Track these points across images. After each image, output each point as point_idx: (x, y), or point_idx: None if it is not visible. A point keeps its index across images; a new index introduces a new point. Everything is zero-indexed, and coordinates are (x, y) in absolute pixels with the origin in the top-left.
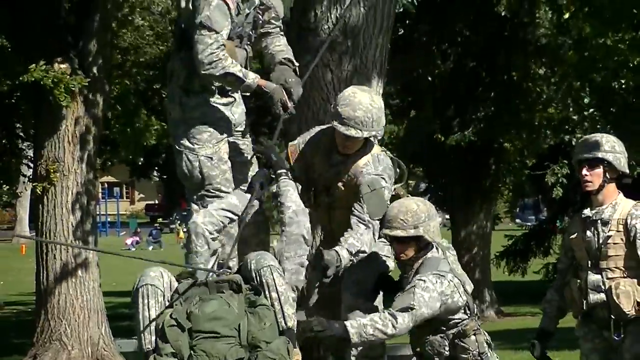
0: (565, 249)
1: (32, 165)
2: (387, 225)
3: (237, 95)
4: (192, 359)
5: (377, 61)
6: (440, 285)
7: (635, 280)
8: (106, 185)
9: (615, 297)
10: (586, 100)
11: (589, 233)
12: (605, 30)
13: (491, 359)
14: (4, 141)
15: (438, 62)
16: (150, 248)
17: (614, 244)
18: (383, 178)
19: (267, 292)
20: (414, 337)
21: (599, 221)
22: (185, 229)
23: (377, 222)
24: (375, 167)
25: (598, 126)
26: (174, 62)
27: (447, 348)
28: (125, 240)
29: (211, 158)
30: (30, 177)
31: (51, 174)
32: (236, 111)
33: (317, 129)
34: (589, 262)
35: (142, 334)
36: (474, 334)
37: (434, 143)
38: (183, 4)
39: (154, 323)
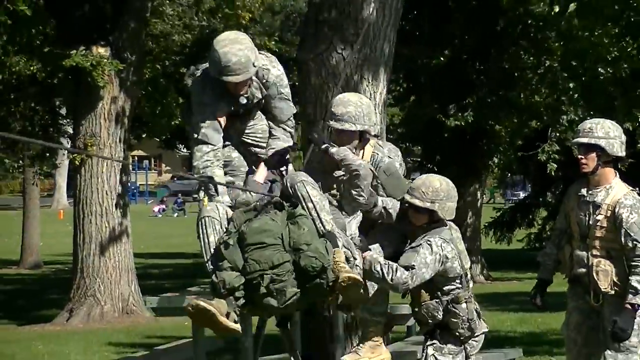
0: (563, 212)
1: (70, 139)
2: (409, 192)
3: None
4: (245, 268)
5: (385, 51)
6: (442, 249)
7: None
8: (136, 158)
9: (594, 274)
10: (571, 84)
11: (581, 212)
12: (592, 25)
13: (479, 326)
14: (46, 117)
15: (437, 54)
16: (175, 215)
17: (601, 227)
18: (391, 158)
19: (303, 204)
20: (414, 302)
21: (591, 203)
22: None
23: (398, 202)
24: (382, 153)
25: (579, 114)
26: None
27: (440, 312)
28: (153, 208)
29: None
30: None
31: (88, 147)
32: None
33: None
34: (579, 237)
35: (206, 257)
36: (466, 302)
37: (432, 125)
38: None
39: (213, 246)
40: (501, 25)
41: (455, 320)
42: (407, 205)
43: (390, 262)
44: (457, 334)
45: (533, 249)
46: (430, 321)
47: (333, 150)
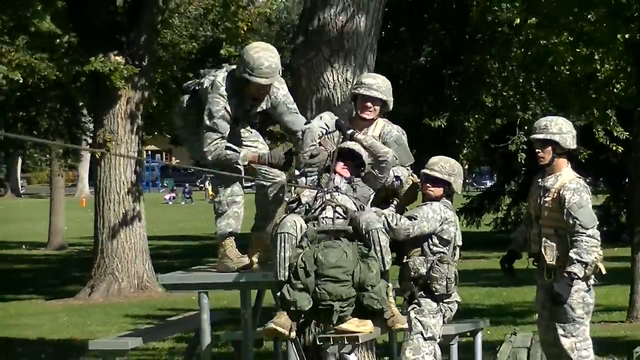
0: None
1: (91, 136)
2: (428, 167)
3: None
4: (316, 294)
5: (367, 57)
6: (445, 213)
7: (556, 246)
8: (150, 152)
9: (543, 249)
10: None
11: (535, 196)
12: (547, 33)
13: (454, 290)
14: (70, 116)
15: (414, 59)
16: (183, 203)
17: (549, 208)
18: (401, 134)
19: (374, 247)
20: (402, 255)
21: (542, 188)
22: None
23: (406, 171)
24: (391, 126)
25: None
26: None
27: (425, 268)
28: (164, 196)
29: None
30: (91, 144)
31: (107, 143)
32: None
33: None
34: (534, 218)
35: (279, 269)
36: (448, 264)
37: (410, 123)
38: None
39: (288, 261)
40: (470, 33)
41: (435, 275)
42: (424, 180)
43: (394, 212)
44: (434, 289)
45: (499, 232)
46: (413, 274)
47: (360, 136)
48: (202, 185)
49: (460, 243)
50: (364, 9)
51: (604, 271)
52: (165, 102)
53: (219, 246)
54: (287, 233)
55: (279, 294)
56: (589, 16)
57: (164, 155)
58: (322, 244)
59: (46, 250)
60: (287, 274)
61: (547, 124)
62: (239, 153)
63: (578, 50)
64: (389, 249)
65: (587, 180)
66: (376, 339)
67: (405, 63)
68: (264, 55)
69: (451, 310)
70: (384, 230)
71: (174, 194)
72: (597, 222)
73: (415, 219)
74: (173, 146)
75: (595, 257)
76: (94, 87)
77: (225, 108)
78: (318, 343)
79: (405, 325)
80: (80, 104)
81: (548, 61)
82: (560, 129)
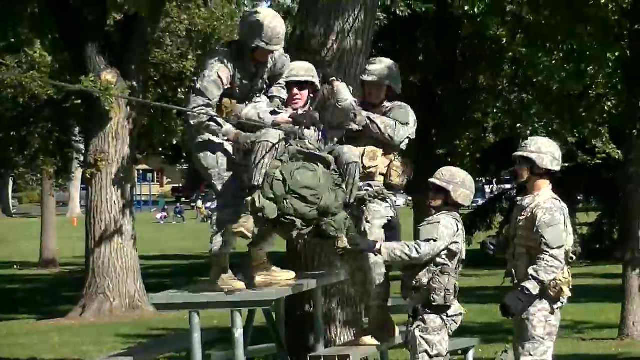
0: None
1: (82, 155)
2: (434, 176)
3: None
4: (283, 207)
5: (357, 77)
6: (456, 227)
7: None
8: (141, 171)
9: (514, 269)
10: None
11: (514, 215)
12: (538, 52)
13: (455, 302)
14: (61, 136)
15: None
16: (175, 222)
17: (522, 226)
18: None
19: (348, 179)
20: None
21: (519, 207)
22: (205, 206)
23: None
24: (399, 105)
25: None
26: None
27: (426, 278)
28: (156, 215)
29: None
30: (82, 164)
31: (98, 163)
32: None
33: None
34: (512, 237)
35: (255, 174)
36: (449, 275)
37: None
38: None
39: (265, 168)
40: (461, 50)
41: (435, 286)
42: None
43: (406, 242)
44: (432, 299)
45: None
46: (414, 283)
47: (337, 83)
48: (194, 204)
49: (464, 256)
50: (355, 29)
51: (568, 294)
52: (156, 121)
53: (213, 264)
54: (269, 142)
55: (249, 198)
56: (579, 33)
57: (155, 174)
58: (301, 163)
59: (38, 270)
60: (261, 180)
61: (528, 142)
62: (222, 127)
63: (569, 67)
64: (358, 188)
65: (579, 198)
66: None
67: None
68: (279, 24)
69: (456, 323)
70: (359, 168)
71: (165, 213)
72: (563, 245)
73: (435, 240)
74: (165, 165)
75: (557, 279)
76: (84, 106)
77: (218, 74)
78: None
79: (346, 245)
80: (72, 123)
81: (540, 79)
82: (539, 148)
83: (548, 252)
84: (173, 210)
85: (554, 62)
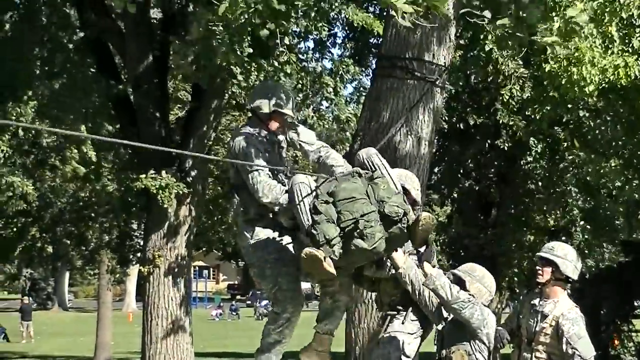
0: (515, 314)
1: (140, 251)
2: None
3: None
4: (340, 219)
5: (420, 178)
6: (484, 315)
7: None
8: (197, 268)
9: None
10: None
11: (531, 319)
12: (597, 159)
13: None
14: (120, 233)
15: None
16: (229, 320)
17: (546, 334)
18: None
19: (380, 170)
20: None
21: (540, 313)
22: (259, 305)
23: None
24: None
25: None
26: None
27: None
28: (211, 312)
29: None
30: (139, 259)
31: (156, 259)
32: None
33: None
34: (526, 340)
35: (303, 218)
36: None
37: (457, 241)
38: None
39: (308, 209)
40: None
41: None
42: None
43: (452, 285)
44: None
45: None
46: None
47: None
48: (250, 302)
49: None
50: (419, 131)
51: None
52: (215, 218)
53: None
54: (302, 182)
55: (309, 239)
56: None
57: (211, 271)
58: (336, 182)
59: None
60: (309, 217)
61: (555, 246)
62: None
63: (627, 174)
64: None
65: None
66: None
67: (451, 185)
68: (289, 91)
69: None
70: (379, 156)
71: (220, 310)
72: (595, 353)
73: (470, 301)
74: (221, 262)
75: None
76: (143, 203)
77: (254, 145)
78: None
79: (430, 218)
80: (131, 219)
81: (599, 185)
82: (566, 254)
83: None
84: (228, 307)
85: (611, 171)
